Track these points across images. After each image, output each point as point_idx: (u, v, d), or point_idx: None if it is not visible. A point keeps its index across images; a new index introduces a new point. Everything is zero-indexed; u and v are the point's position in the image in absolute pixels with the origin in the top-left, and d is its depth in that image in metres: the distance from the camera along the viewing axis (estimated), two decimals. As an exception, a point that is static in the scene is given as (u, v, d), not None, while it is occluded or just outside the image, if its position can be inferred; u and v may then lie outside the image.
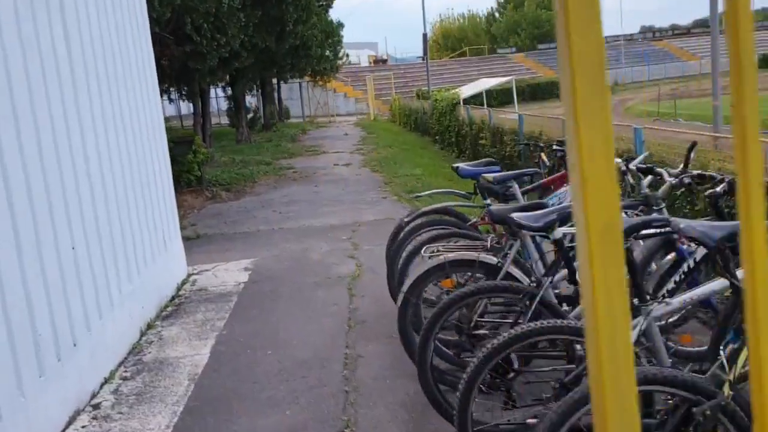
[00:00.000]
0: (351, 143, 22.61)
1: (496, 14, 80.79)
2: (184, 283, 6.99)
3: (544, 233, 3.28)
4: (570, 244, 3.34)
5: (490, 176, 4.79)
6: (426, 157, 17.63)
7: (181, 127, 32.88)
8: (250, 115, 26.96)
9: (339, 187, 12.99)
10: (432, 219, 5.22)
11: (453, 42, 75.23)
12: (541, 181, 5.54)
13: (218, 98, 34.05)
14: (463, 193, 5.48)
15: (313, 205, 11.22)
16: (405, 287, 3.93)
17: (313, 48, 23.24)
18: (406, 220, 5.08)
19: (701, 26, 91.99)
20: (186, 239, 9.12)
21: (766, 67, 58.07)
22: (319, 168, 16.25)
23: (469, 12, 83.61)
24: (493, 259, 3.81)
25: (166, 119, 32.49)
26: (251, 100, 33.39)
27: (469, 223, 5.30)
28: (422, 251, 4.59)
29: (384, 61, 69.28)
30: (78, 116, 4.56)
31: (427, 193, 5.75)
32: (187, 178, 12.78)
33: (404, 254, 4.96)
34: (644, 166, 4.28)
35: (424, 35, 33.78)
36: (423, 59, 69.98)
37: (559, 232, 3.26)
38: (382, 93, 46.30)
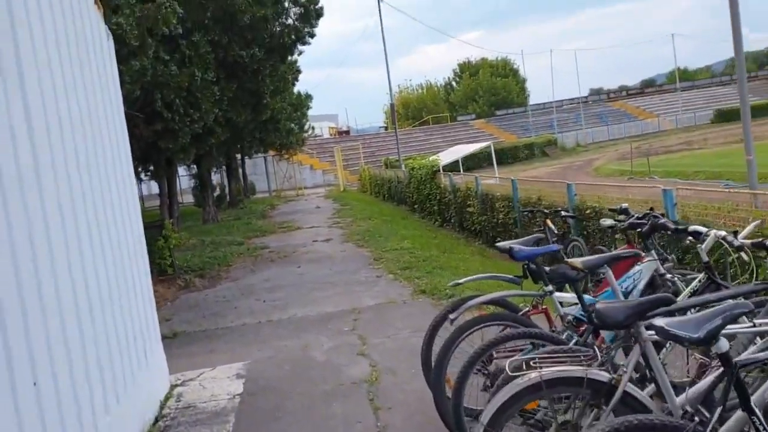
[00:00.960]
0: (326, 216, 21.74)
1: (453, 83, 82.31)
2: (167, 398, 5.86)
3: (704, 345, 2.38)
4: (740, 359, 2.43)
5: (577, 261, 3.84)
6: (410, 227, 16.80)
7: (143, 209, 31.80)
8: (216, 193, 25.99)
9: (325, 267, 12.00)
10: (481, 313, 4.30)
11: (413, 111, 76.12)
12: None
13: (180, 177, 33.10)
14: (510, 277, 4.58)
15: (301, 289, 10.20)
16: (485, 418, 2.96)
17: (282, 121, 22.59)
18: (451, 316, 4.12)
19: (648, 86, 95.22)
20: (162, 339, 8.03)
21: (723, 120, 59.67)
22: (298, 246, 15.26)
23: (427, 82, 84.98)
24: (604, 375, 2.88)
25: (129, 201, 30.70)
26: (215, 177, 32.54)
27: (521, 313, 4.41)
28: (487, 363, 3.67)
29: (347, 132, 69.52)
30: (42, 212, 3.58)
31: (467, 279, 4.80)
32: (158, 265, 11.69)
33: (453, 359, 4.02)
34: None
35: (392, 105, 33.62)
36: (386, 129, 70.50)
37: (725, 342, 2.36)
38: (349, 163, 45.94)
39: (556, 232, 9.57)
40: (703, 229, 3.85)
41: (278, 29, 12.61)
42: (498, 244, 4.58)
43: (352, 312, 8.26)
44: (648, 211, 4.58)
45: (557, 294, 4.11)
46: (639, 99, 76.56)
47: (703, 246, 3.78)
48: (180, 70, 10.17)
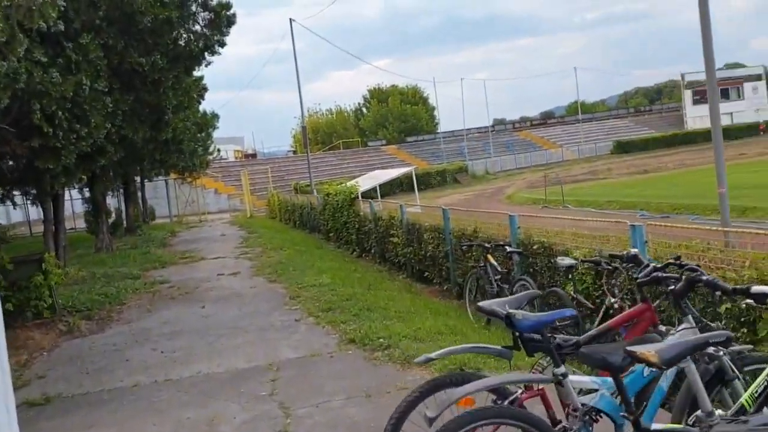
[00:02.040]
0: (232, 246, 20.13)
1: (364, 109, 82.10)
2: (23, 507, 4.33)
3: None
4: None
5: (650, 352, 2.48)
6: (327, 259, 15.53)
7: (30, 235, 28.91)
8: (111, 219, 23.79)
9: (233, 307, 10.55)
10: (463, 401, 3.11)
11: (323, 136, 75.15)
12: (607, 323, 3.59)
13: (73, 200, 30.52)
14: (498, 349, 3.42)
15: (206, 336, 8.73)
16: None
17: (186, 141, 20.85)
18: (429, 414, 2.91)
19: (548, 117, 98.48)
20: (29, 406, 6.44)
21: (623, 151, 62.00)
22: (202, 280, 13.69)
23: (336, 107, 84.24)
24: None
25: (12, 226, 28.09)
26: (111, 201, 30.16)
27: (509, 399, 3.26)
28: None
29: (253, 156, 67.66)
30: None
31: (442, 353, 3.54)
32: (35, 306, 9.90)
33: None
34: None
35: (304, 128, 32.40)
36: (295, 153, 69.01)
37: None
38: (256, 188, 44.19)
39: (499, 269, 8.60)
40: (778, 291, 2.84)
41: (184, 35, 11.11)
42: (481, 305, 3.43)
43: (268, 368, 6.91)
44: (673, 261, 3.58)
45: (573, 378, 3.01)
46: (542, 129, 78.75)
47: (781, 315, 2.79)
48: (64, 77, 8.55)
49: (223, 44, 11.61)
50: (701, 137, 65.21)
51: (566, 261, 6.80)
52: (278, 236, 22.20)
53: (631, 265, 3.93)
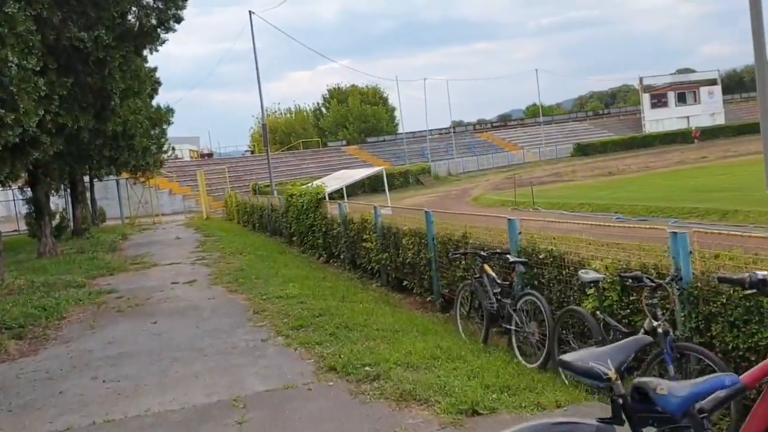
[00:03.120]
0: (188, 250, 18.72)
1: (323, 109, 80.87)
2: None
3: None
4: None
5: None
6: (292, 266, 14.27)
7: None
8: (56, 221, 22.06)
9: (189, 323, 9.25)
10: None
11: (281, 136, 73.59)
12: (739, 382, 2.49)
13: (17, 200, 28.59)
14: (593, 425, 2.29)
15: (157, 361, 7.43)
16: None
17: (138, 137, 19.31)
18: None
19: (505, 120, 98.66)
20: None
21: (583, 153, 62.07)
22: (154, 290, 12.33)
23: (296, 106, 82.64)
24: None
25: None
26: (59, 202, 28.30)
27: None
28: None
29: (210, 155, 65.78)
30: None
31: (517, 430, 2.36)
32: (-46, 325, 8.47)
33: None
34: None
35: (264, 126, 31.08)
36: (252, 152, 67.26)
37: None
38: (213, 188, 42.55)
39: (498, 281, 7.52)
40: None
41: (134, 9, 9.72)
42: (568, 360, 2.30)
43: (233, 405, 5.67)
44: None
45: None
46: (503, 131, 78.60)
47: None
48: (-14, 53, 7.20)
49: (179, 19, 10.22)
50: (659, 140, 66.04)
51: (590, 275, 5.75)
52: (237, 240, 20.84)
53: (753, 290, 2.86)
